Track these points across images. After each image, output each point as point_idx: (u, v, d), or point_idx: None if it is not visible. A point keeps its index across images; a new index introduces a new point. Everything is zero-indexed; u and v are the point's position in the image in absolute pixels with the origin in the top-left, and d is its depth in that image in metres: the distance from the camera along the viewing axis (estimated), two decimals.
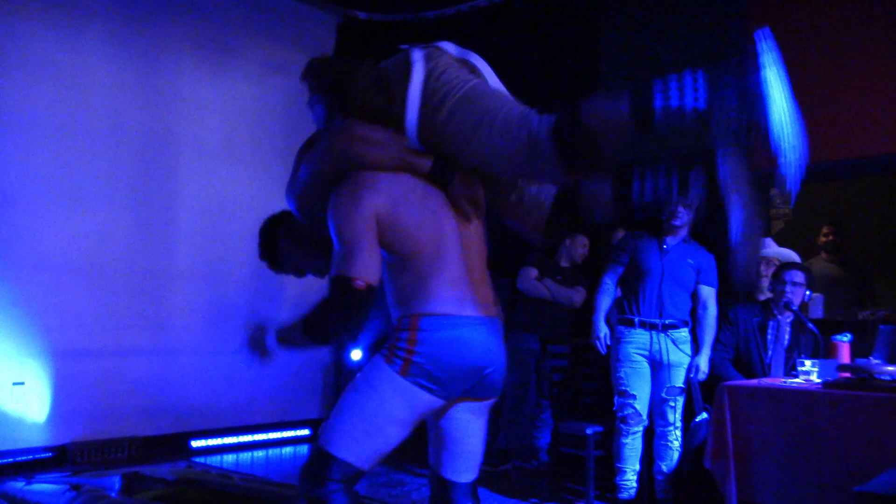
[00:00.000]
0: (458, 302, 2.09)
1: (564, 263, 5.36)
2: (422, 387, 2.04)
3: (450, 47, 2.22)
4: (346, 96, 2.14)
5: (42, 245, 5.02)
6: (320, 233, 2.21)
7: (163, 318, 5.56)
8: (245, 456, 5.66)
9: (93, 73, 5.28)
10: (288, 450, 5.96)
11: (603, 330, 4.26)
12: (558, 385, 4.74)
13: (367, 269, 2.02)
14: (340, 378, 6.35)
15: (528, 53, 5.82)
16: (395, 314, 2.14)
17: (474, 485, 2.25)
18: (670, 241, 4.22)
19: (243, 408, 5.89)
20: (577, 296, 5.22)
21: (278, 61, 6.01)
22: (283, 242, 2.40)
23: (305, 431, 6.23)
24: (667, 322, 4.14)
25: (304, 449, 6.02)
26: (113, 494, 3.60)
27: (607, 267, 4.34)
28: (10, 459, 4.79)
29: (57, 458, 4.98)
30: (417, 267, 2.09)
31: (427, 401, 2.06)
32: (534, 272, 5.28)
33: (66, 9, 5.16)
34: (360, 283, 1.99)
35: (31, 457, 4.88)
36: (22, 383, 4.92)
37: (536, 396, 5.16)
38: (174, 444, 5.48)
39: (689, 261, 4.20)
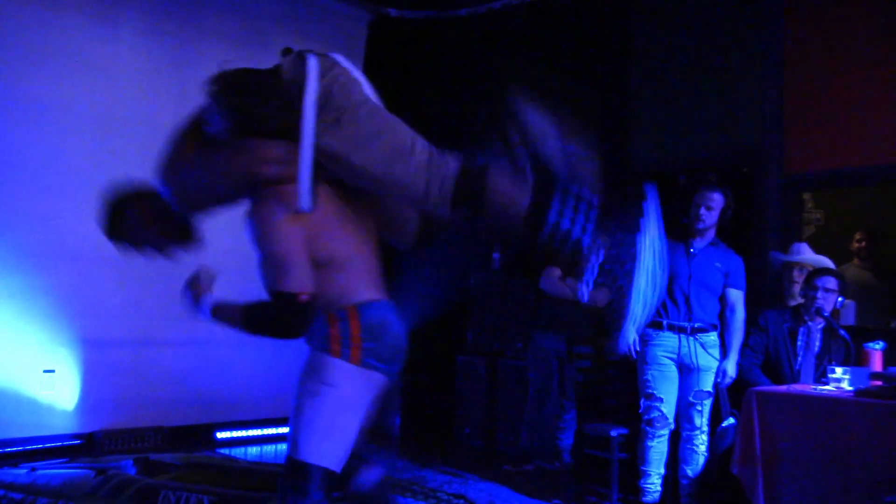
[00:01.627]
0: (376, 289, 2.24)
1: None
2: (375, 368, 2.16)
3: (343, 60, 2.26)
4: (251, 116, 2.19)
5: (74, 235, 5.07)
6: (183, 216, 2.35)
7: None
8: (269, 448, 5.70)
9: (127, 65, 5.33)
10: None
11: (632, 336, 4.22)
12: (582, 386, 4.71)
13: (306, 280, 2.09)
14: None
15: (559, 52, 5.79)
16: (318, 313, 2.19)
17: None
18: (697, 244, 4.18)
19: (269, 401, 5.92)
20: (601, 296, 5.16)
21: None
22: (137, 217, 2.50)
23: None
24: (695, 325, 4.11)
25: None
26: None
27: None
28: (40, 445, 4.85)
29: (85, 446, 5.04)
30: (339, 266, 2.17)
31: (379, 381, 2.20)
32: (557, 272, 5.24)
33: (101, 2, 5.22)
34: (304, 298, 2.07)
35: (59, 444, 4.95)
36: (52, 371, 5.00)
37: (559, 397, 5.13)
38: (200, 435, 5.53)
39: (717, 264, 4.16)
